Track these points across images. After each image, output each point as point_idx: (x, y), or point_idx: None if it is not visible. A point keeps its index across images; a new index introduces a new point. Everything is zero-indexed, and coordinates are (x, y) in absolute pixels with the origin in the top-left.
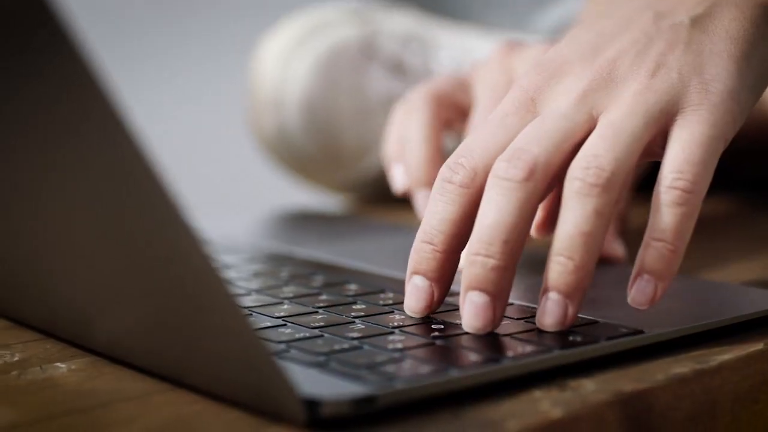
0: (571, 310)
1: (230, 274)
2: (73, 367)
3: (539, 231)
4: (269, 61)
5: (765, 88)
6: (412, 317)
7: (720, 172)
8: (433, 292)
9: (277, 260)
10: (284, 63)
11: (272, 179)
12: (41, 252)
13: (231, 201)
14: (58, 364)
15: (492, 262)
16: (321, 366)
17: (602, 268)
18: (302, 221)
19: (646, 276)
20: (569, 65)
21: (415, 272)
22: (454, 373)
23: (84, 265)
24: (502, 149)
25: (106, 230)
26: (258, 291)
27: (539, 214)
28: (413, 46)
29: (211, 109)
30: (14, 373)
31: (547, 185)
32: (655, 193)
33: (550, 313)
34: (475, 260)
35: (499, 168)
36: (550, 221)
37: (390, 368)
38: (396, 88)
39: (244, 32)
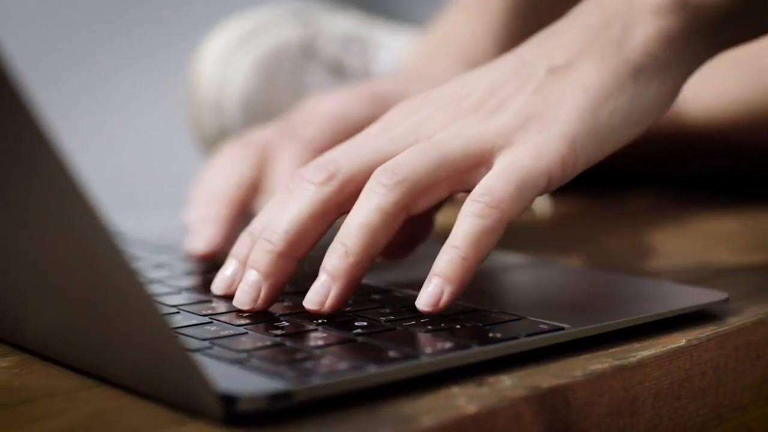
0: (333, 292)
1: (162, 273)
2: (3, 364)
3: (382, 256)
4: (210, 61)
5: (618, 141)
6: (336, 314)
7: (651, 170)
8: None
9: (212, 260)
10: (225, 63)
11: None
12: None
13: (171, 201)
14: None
15: (269, 246)
16: (241, 363)
17: (533, 268)
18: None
19: (435, 279)
20: (428, 103)
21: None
22: (372, 369)
23: (13, 264)
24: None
25: (32, 230)
26: (188, 289)
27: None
28: (353, 47)
29: (152, 109)
30: None
31: (345, 193)
32: (462, 206)
33: (314, 291)
34: (258, 242)
35: (306, 170)
36: (391, 248)
37: (308, 364)
38: (336, 88)
39: (185, 34)
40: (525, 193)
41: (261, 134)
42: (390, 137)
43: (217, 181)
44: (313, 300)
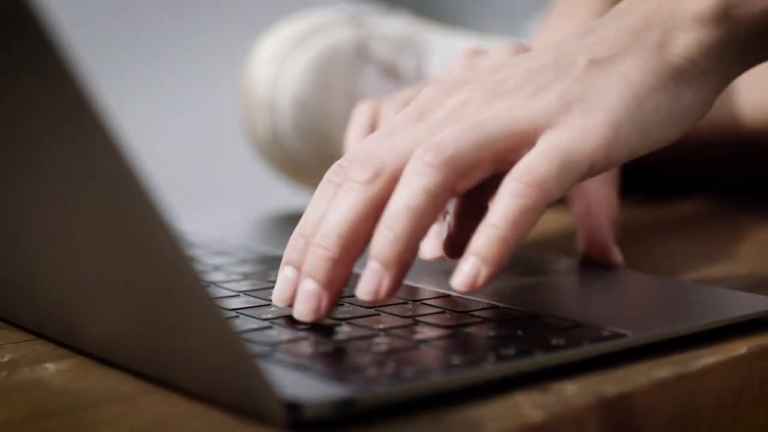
0: (386, 281)
1: (219, 277)
2: (61, 367)
3: (444, 251)
4: (264, 62)
5: (660, 138)
6: (396, 319)
7: (703, 174)
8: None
9: (267, 263)
10: (278, 64)
11: (266, 181)
12: (32, 254)
13: (224, 203)
14: (48, 364)
15: (325, 253)
16: (304, 368)
17: (590, 273)
18: (294, 224)
19: (471, 259)
20: (463, 84)
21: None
22: (436, 376)
23: (74, 267)
24: None
25: (94, 233)
26: (246, 293)
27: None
28: (407, 50)
29: (206, 110)
30: (3, 373)
31: (392, 188)
32: (501, 184)
33: (366, 281)
34: (312, 250)
35: (351, 170)
36: (455, 243)
37: (372, 371)
38: (389, 91)
39: (240, 34)
40: (567, 175)
41: None
42: (429, 123)
43: None
44: (367, 290)
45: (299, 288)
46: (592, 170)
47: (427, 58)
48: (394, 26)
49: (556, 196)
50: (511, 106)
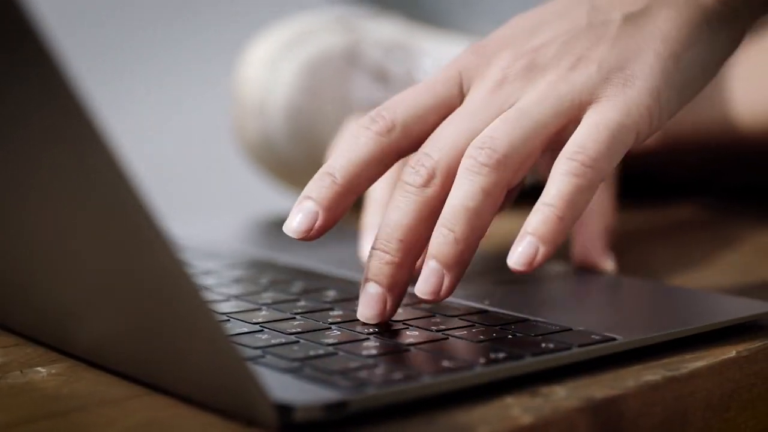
0: (447, 281)
1: (210, 281)
2: (53, 371)
3: None
4: (254, 66)
5: (696, 91)
6: (388, 324)
7: (695, 178)
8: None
9: (258, 266)
10: (269, 69)
11: (256, 185)
12: (23, 258)
13: (214, 206)
14: (39, 368)
15: (387, 257)
16: (295, 371)
17: (580, 277)
18: None
19: (528, 237)
20: (500, 49)
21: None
22: (427, 379)
23: (65, 271)
24: (426, 109)
25: (86, 236)
26: (237, 297)
27: None
28: (397, 53)
29: (196, 114)
30: None
31: (448, 187)
32: (554, 163)
33: (426, 280)
34: (374, 254)
35: (405, 173)
36: None
37: (363, 374)
38: (379, 95)
39: (230, 38)
40: (617, 150)
41: None
42: (472, 112)
43: None
44: (427, 290)
45: (363, 291)
46: (637, 141)
47: (418, 61)
48: (385, 30)
49: (608, 173)
50: (553, 83)
